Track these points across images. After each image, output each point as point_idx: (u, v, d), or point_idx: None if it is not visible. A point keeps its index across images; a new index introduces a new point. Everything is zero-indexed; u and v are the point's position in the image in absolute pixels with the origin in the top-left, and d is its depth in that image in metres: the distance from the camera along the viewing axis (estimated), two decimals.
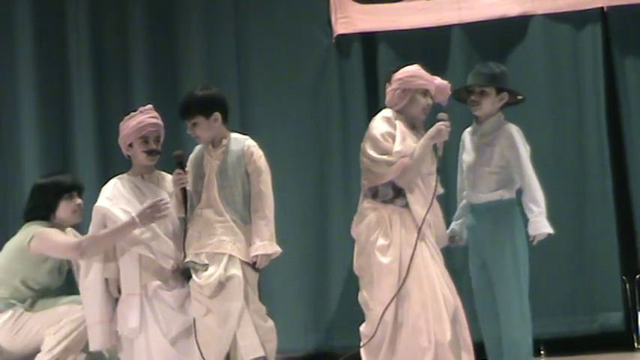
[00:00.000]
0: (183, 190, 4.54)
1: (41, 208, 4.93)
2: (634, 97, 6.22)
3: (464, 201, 5.00)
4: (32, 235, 4.80)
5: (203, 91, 4.62)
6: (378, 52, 6.47)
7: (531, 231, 4.74)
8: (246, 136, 4.68)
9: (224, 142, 4.60)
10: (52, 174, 5.13)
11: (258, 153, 4.61)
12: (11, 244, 4.93)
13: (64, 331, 4.70)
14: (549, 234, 4.74)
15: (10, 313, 4.79)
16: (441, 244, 4.72)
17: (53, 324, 4.72)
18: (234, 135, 4.66)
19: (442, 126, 4.57)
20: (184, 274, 4.55)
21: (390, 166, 4.56)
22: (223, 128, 4.62)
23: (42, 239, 4.79)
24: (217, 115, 4.56)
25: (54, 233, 4.82)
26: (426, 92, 4.68)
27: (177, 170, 4.54)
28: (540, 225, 4.72)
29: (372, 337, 4.51)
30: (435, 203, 4.65)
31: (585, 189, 6.18)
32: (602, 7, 6.27)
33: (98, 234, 4.59)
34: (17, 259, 4.85)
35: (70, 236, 4.92)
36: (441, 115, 4.63)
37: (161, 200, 4.53)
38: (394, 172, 4.57)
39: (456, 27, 6.40)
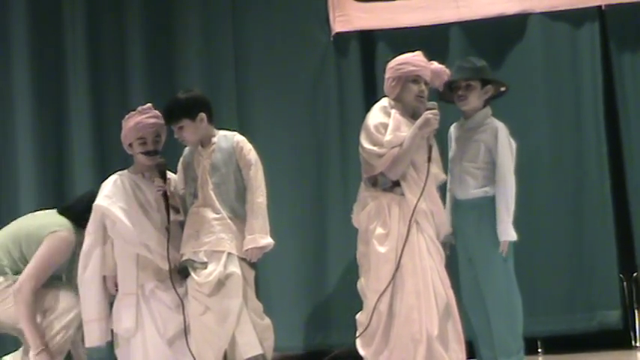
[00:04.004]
0: (165, 198, 4.56)
1: (79, 212, 4.84)
2: (632, 94, 6.21)
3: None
4: (55, 230, 4.75)
5: (185, 94, 4.65)
6: (376, 50, 6.45)
7: (499, 236, 4.72)
8: (234, 132, 4.69)
9: (213, 140, 4.61)
10: None
11: (247, 147, 4.63)
12: (33, 222, 4.88)
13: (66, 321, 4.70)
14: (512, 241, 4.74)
15: (1, 279, 4.74)
16: (443, 232, 4.72)
17: (47, 308, 4.69)
18: (222, 132, 4.68)
19: (430, 115, 4.57)
20: (182, 272, 4.54)
21: (379, 158, 4.58)
22: (210, 128, 4.63)
23: (51, 242, 4.74)
24: (202, 115, 4.57)
25: (56, 252, 4.77)
26: (417, 79, 4.69)
27: (160, 181, 4.57)
28: (505, 232, 4.70)
29: (366, 327, 4.55)
30: (434, 192, 4.67)
31: (583, 187, 6.17)
32: (599, 6, 6.25)
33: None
34: (27, 240, 4.79)
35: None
36: (430, 104, 4.64)
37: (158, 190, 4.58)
38: (383, 164, 4.59)
39: (454, 25, 6.38)
